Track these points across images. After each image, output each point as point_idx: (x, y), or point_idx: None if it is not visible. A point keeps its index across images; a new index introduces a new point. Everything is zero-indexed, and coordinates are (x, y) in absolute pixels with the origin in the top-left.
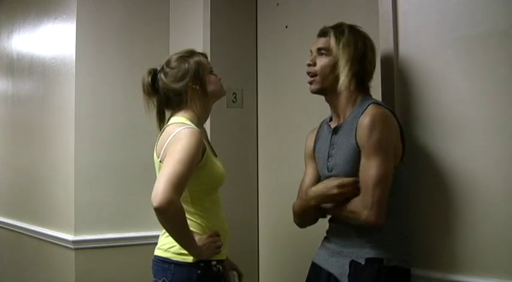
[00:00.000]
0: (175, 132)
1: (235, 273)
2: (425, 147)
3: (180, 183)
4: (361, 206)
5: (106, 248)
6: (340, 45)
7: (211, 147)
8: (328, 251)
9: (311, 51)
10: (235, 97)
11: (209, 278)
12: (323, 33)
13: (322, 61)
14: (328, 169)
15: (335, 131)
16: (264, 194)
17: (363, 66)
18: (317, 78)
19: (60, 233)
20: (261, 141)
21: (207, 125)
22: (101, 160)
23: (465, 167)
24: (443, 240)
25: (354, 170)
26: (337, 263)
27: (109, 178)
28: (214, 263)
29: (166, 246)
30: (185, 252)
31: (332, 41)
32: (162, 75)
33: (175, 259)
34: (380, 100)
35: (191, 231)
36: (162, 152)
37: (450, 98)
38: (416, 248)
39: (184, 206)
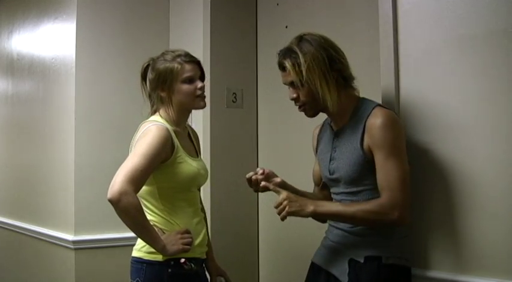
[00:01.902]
0: (145, 128)
1: (222, 279)
2: (425, 148)
3: (137, 176)
4: (389, 207)
5: (106, 248)
6: (304, 73)
7: (195, 148)
8: (327, 251)
9: (286, 84)
10: (235, 97)
11: (182, 276)
12: (282, 67)
13: (301, 92)
14: (330, 172)
15: (337, 134)
16: (264, 193)
17: (337, 70)
18: (307, 106)
19: (60, 233)
20: (261, 141)
21: (207, 125)
22: (100, 160)
23: (466, 167)
24: (443, 240)
25: (357, 174)
26: (337, 262)
27: (109, 178)
28: (183, 260)
29: (139, 245)
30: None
31: (293, 74)
32: (149, 70)
33: (146, 258)
34: (380, 101)
35: (151, 226)
36: (133, 147)
37: (451, 98)
38: (416, 247)
39: (152, 201)
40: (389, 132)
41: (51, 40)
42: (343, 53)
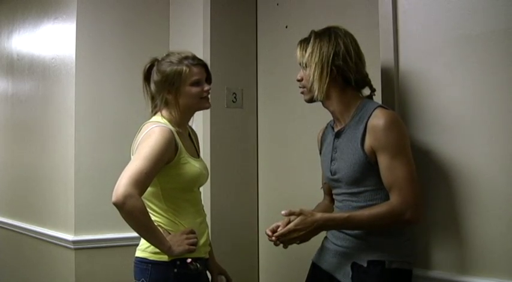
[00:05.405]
0: (147, 130)
1: (223, 277)
2: (425, 148)
3: (141, 179)
4: (401, 208)
5: (106, 248)
6: (306, 56)
7: (195, 148)
8: (328, 252)
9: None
10: (235, 97)
11: (187, 276)
12: (297, 46)
13: (304, 74)
14: (331, 172)
15: (337, 135)
16: (264, 193)
17: (338, 66)
18: (305, 89)
19: (60, 233)
20: (261, 141)
21: (207, 125)
22: (101, 160)
23: (467, 168)
24: (445, 240)
25: (358, 174)
26: (339, 265)
27: (109, 178)
28: (189, 260)
29: (144, 246)
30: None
31: (299, 54)
32: (153, 71)
33: (152, 258)
34: (380, 101)
35: (156, 227)
36: (135, 149)
37: (451, 98)
38: (417, 248)
39: (156, 202)
40: (393, 132)
41: (51, 40)
42: (359, 59)
